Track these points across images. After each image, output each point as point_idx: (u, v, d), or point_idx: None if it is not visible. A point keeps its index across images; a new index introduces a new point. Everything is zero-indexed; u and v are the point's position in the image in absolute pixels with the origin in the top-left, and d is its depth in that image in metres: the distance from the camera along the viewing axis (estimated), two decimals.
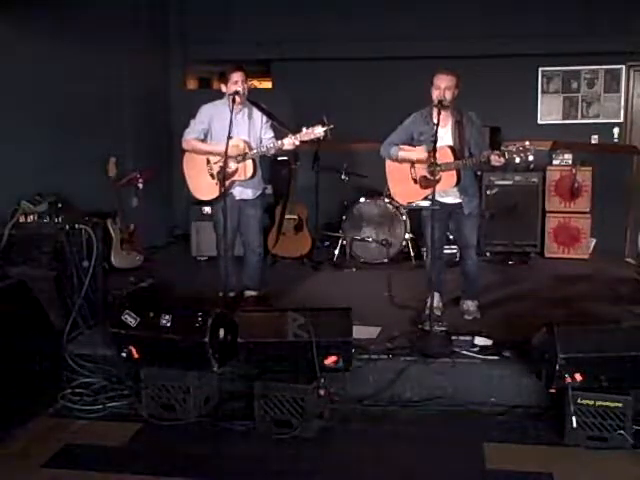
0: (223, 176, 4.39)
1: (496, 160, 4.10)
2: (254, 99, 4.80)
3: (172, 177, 7.16)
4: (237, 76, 4.46)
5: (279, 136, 4.58)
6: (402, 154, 4.47)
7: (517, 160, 4.05)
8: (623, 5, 6.61)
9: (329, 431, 3.52)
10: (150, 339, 3.71)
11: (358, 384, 3.79)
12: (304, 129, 4.33)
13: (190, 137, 4.64)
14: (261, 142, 4.60)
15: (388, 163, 4.60)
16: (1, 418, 3.43)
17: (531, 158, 4.03)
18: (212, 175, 4.59)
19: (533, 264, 6.47)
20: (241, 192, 4.66)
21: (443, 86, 4.23)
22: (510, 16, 6.85)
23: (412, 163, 4.44)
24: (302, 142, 4.39)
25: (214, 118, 4.60)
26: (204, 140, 4.66)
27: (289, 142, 4.37)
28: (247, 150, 4.46)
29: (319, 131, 4.29)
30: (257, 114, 4.68)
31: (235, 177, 4.50)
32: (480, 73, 6.77)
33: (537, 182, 6.67)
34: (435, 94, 4.26)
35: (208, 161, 4.61)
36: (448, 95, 4.23)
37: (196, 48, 7.60)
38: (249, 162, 4.49)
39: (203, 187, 4.65)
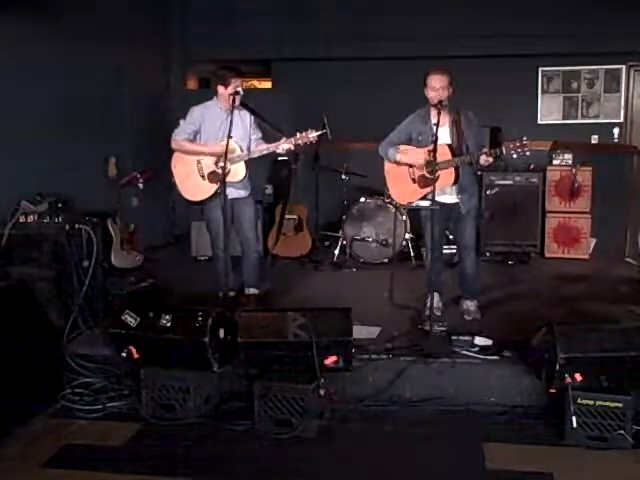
0: (223, 176, 4.38)
1: (485, 160, 4.14)
2: (253, 100, 4.81)
3: (172, 177, 7.14)
4: (238, 82, 4.50)
5: (269, 137, 4.59)
6: (399, 157, 4.46)
7: (514, 156, 4.07)
8: (623, 5, 6.61)
9: (329, 431, 3.52)
10: (150, 339, 3.71)
11: (358, 384, 3.79)
12: (297, 134, 4.37)
13: (180, 137, 4.65)
14: (251, 142, 4.61)
15: (386, 163, 4.60)
16: (1, 418, 3.43)
17: (528, 153, 4.04)
18: (203, 176, 4.59)
19: (533, 264, 6.47)
20: (234, 192, 4.64)
21: (439, 86, 4.24)
22: (510, 16, 6.85)
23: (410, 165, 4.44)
24: (297, 145, 4.41)
25: (206, 120, 4.61)
26: (192, 141, 4.66)
27: (284, 147, 4.41)
28: (240, 152, 4.48)
29: (313, 135, 4.33)
30: (246, 115, 4.69)
31: (229, 178, 4.48)
32: (480, 73, 6.79)
33: (537, 182, 6.67)
34: (432, 95, 4.26)
35: (199, 162, 4.61)
36: (445, 94, 4.24)
37: (197, 48, 7.61)
38: (241, 164, 4.50)
39: (193, 188, 4.64)
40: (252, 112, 4.72)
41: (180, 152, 4.69)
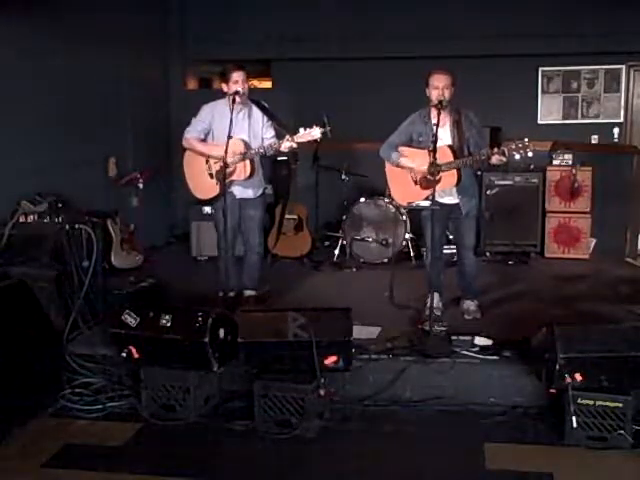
0: (223, 175, 4.39)
1: (497, 159, 4.10)
2: (256, 99, 4.80)
3: (172, 177, 7.16)
4: (237, 75, 4.46)
5: (278, 136, 4.59)
6: (403, 161, 4.45)
7: (517, 157, 4.05)
8: (623, 5, 6.61)
9: (329, 431, 3.52)
10: (150, 339, 3.70)
11: (358, 384, 3.79)
12: (301, 130, 4.33)
13: (190, 136, 4.66)
14: (262, 141, 4.60)
15: (388, 164, 4.60)
16: (1, 418, 3.42)
17: (530, 154, 4.03)
18: (211, 175, 4.60)
19: (533, 264, 6.47)
20: (241, 191, 4.66)
21: (441, 85, 4.23)
22: (510, 16, 6.85)
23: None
24: (299, 143, 4.38)
25: (215, 117, 4.60)
26: (204, 139, 4.67)
27: (286, 145, 4.37)
28: (246, 150, 4.47)
29: (316, 132, 4.30)
30: (257, 113, 4.68)
31: (234, 177, 4.50)
32: (480, 73, 6.79)
33: (537, 182, 6.66)
34: (434, 94, 4.25)
35: (207, 160, 4.62)
36: (447, 94, 4.23)
37: (196, 48, 7.61)
38: (247, 162, 4.49)
39: (202, 186, 4.66)
40: (264, 110, 4.70)
41: (190, 150, 4.69)
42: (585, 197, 6.62)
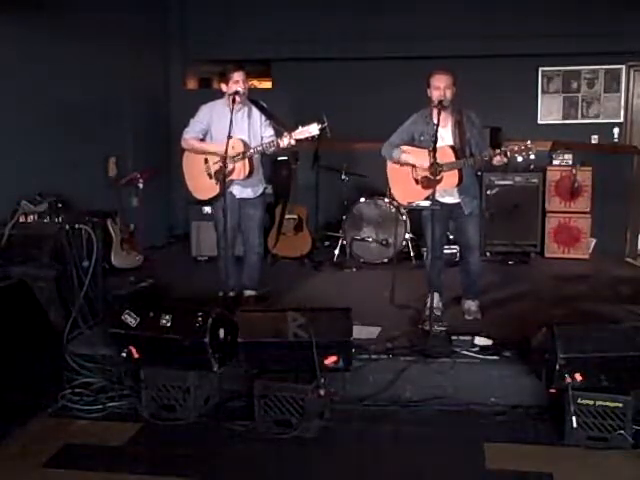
0: (223, 175, 4.40)
1: (499, 161, 4.11)
2: (255, 99, 4.80)
3: (172, 177, 7.16)
4: (238, 76, 4.47)
5: (277, 136, 4.59)
6: (404, 157, 4.45)
7: (519, 159, 4.06)
8: (623, 5, 6.61)
9: (329, 431, 3.51)
10: (150, 339, 3.70)
11: (358, 384, 3.79)
12: (300, 127, 4.34)
13: (188, 136, 4.66)
14: (262, 140, 4.60)
15: (389, 163, 4.60)
16: (1, 418, 3.42)
17: (532, 157, 4.04)
18: (210, 175, 4.60)
19: (533, 264, 6.47)
20: (241, 191, 4.66)
21: (443, 86, 4.23)
22: (510, 16, 6.85)
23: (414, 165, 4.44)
24: (298, 140, 4.39)
25: (213, 118, 4.60)
26: (203, 140, 4.67)
27: (285, 142, 4.37)
28: (244, 149, 4.47)
29: (314, 129, 4.30)
30: (256, 113, 4.68)
31: (233, 176, 4.50)
32: (480, 73, 6.79)
33: (537, 182, 6.68)
34: (435, 94, 4.25)
35: (206, 160, 4.62)
36: (448, 94, 4.23)
37: (196, 48, 7.61)
38: (246, 161, 4.49)
39: (201, 186, 4.66)
40: (262, 110, 4.71)
41: (189, 151, 4.69)
42: (585, 197, 6.63)
